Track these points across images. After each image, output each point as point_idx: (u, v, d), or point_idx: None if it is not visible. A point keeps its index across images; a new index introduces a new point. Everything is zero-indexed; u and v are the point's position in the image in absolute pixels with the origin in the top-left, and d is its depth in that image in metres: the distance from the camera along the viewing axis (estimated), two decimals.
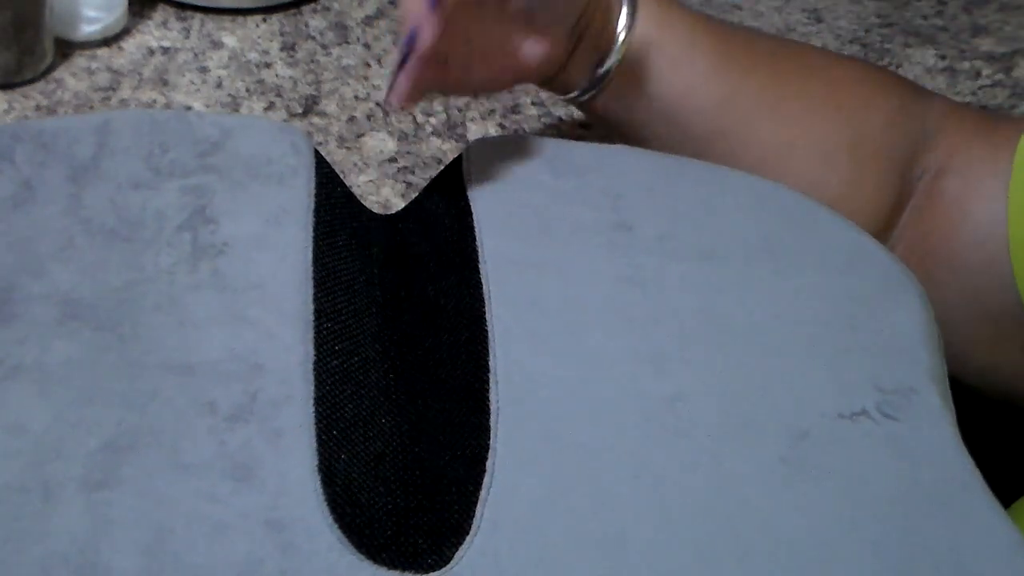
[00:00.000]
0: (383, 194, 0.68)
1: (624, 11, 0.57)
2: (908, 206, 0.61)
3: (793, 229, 0.54)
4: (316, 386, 0.45)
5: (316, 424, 0.44)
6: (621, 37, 0.57)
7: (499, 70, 0.57)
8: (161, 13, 0.76)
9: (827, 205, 0.55)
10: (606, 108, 0.60)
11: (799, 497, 0.44)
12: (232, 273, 0.48)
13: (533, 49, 0.57)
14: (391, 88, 0.52)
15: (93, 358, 0.44)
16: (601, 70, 0.58)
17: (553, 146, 0.56)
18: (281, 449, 0.43)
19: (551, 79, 0.60)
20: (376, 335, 0.48)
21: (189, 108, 0.70)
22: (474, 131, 0.73)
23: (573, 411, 0.45)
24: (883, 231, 0.60)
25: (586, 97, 0.60)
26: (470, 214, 0.52)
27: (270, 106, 0.71)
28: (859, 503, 0.44)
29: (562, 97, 0.61)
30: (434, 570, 0.41)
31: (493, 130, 0.73)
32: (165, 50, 0.74)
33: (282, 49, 0.75)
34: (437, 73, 0.54)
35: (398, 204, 0.66)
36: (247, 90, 0.72)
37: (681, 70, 0.58)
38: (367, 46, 0.77)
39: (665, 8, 0.59)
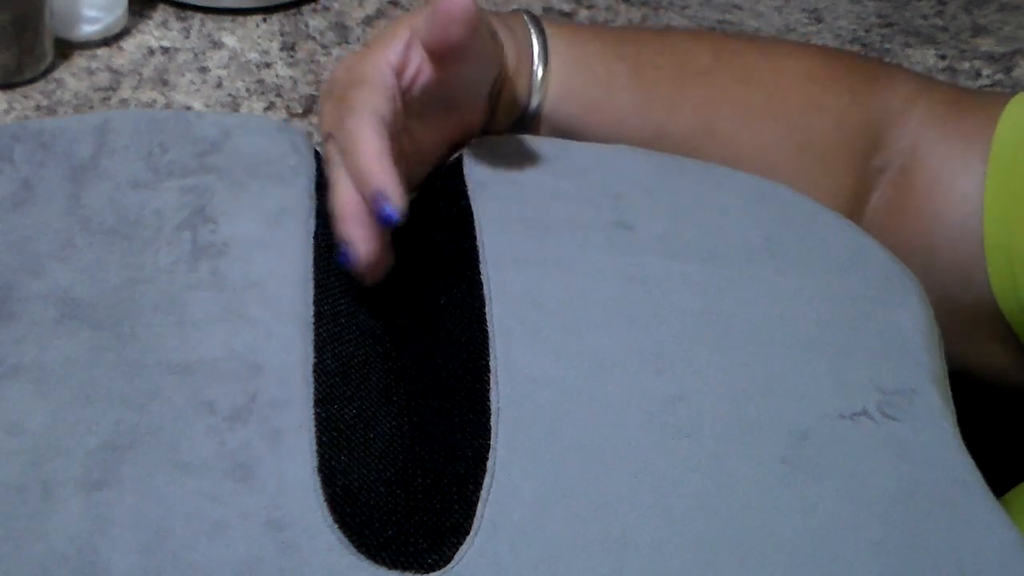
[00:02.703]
0: None
1: (536, 62, 0.57)
2: (872, 199, 0.61)
3: (794, 229, 0.54)
4: (316, 386, 0.45)
5: (316, 425, 0.44)
6: (535, 100, 0.57)
7: (432, 159, 0.57)
8: (161, 13, 0.76)
9: None
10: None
11: (800, 497, 0.44)
12: (232, 273, 0.48)
13: (456, 125, 0.56)
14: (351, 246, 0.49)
15: (92, 357, 0.44)
16: (525, 115, 0.58)
17: (553, 146, 0.56)
18: (281, 449, 0.43)
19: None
20: (376, 335, 0.48)
21: (189, 108, 0.70)
22: None
23: (574, 411, 0.45)
24: None
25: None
26: (470, 214, 0.52)
27: (270, 106, 0.71)
28: (860, 503, 0.44)
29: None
30: (434, 570, 0.41)
31: None
32: (165, 50, 0.73)
33: (282, 49, 0.75)
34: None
35: None
36: (247, 90, 0.72)
37: (602, 113, 0.58)
38: (367, 47, 0.77)
39: (580, 51, 0.58)
